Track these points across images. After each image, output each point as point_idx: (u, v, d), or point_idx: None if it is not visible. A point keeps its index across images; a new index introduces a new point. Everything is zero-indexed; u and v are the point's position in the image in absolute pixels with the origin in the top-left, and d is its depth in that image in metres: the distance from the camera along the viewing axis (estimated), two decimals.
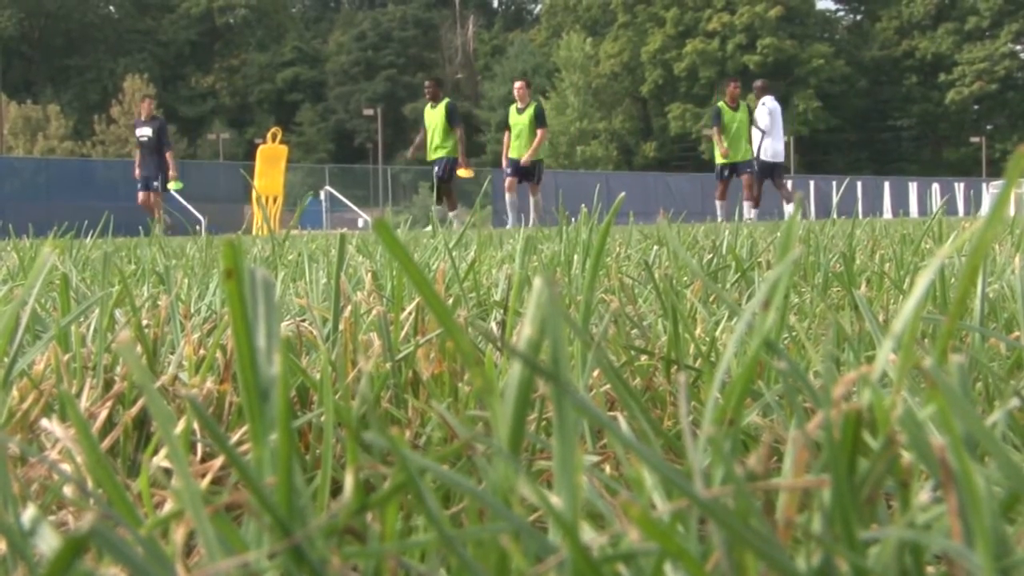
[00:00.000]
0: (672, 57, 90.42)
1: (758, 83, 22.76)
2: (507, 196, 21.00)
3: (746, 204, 20.90)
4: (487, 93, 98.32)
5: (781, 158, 22.00)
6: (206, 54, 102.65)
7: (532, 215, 20.69)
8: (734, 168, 21.57)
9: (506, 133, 21.52)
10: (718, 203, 21.45)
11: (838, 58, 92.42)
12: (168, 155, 21.27)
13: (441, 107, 20.89)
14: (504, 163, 21.35)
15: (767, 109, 21.82)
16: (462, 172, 20.82)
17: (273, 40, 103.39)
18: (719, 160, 21.59)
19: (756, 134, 21.68)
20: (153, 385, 0.66)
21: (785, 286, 0.79)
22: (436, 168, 20.83)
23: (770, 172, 21.67)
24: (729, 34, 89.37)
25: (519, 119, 21.15)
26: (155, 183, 21.01)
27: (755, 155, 21.64)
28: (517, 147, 21.12)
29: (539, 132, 21.01)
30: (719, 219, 19.85)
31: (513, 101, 21.34)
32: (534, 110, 21.06)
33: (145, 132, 21.46)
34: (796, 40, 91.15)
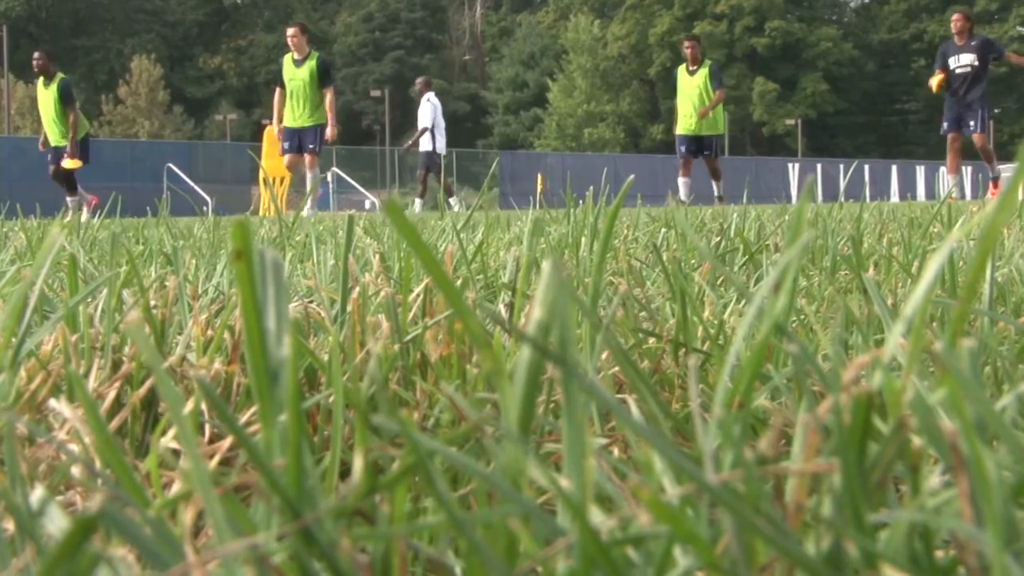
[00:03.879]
0: (680, 39, 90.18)
1: (420, 80, 22.07)
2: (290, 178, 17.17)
3: (681, 180, 18.69)
4: (494, 75, 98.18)
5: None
6: (213, 35, 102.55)
7: (308, 195, 16.62)
8: (696, 143, 18.73)
9: (278, 92, 16.96)
10: (680, 180, 18.65)
11: (846, 41, 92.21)
12: None
13: (54, 87, 17.47)
14: (276, 131, 16.98)
15: (432, 105, 21.17)
16: (68, 163, 17.25)
17: (281, 21, 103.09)
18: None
19: (425, 131, 21.00)
20: (162, 365, 0.66)
21: (795, 270, 0.79)
22: (51, 156, 17.36)
23: (436, 165, 21.10)
24: (737, 16, 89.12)
25: (296, 74, 16.72)
26: None
27: (432, 149, 21.01)
28: (294, 110, 16.77)
29: (327, 92, 16.80)
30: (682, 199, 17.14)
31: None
32: (317, 62, 16.74)
33: None
34: (804, 23, 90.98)
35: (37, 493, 0.69)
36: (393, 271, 2.20)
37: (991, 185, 16.93)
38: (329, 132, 16.73)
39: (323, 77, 16.70)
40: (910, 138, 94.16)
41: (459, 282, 1.85)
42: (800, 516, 0.64)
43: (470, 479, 0.99)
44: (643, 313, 1.58)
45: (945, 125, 17.13)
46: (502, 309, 1.75)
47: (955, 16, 18.01)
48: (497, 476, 0.64)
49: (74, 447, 1.03)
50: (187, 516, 0.67)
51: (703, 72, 18.57)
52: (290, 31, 16.90)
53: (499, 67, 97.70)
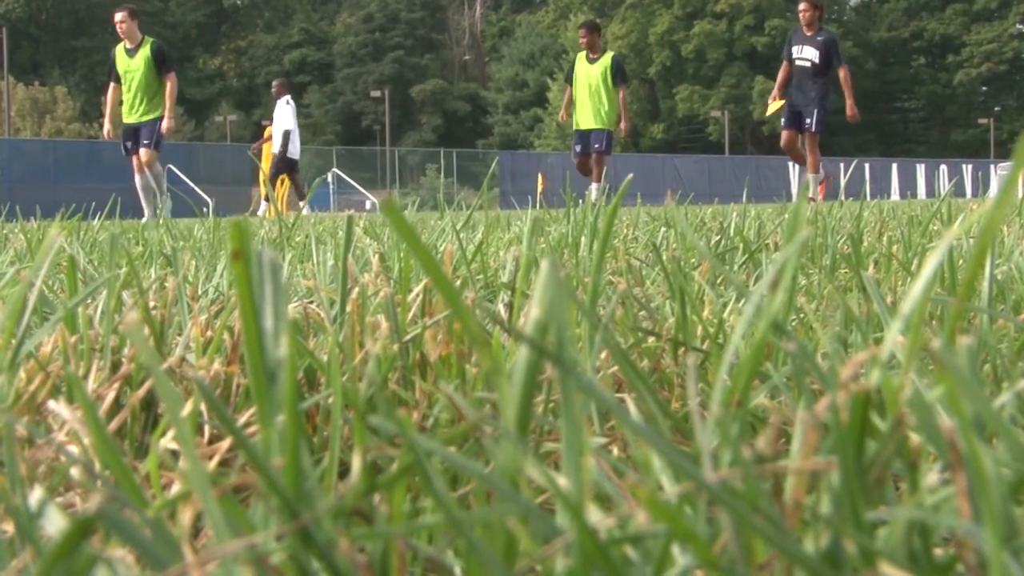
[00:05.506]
0: (679, 39, 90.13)
1: (276, 82, 21.67)
2: (137, 178, 14.93)
3: (593, 186, 16.62)
4: (494, 75, 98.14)
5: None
6: (213, 36, 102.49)
7: (155, 194, 14.84)
8: (582, 139, 16.17)
9: (111, 88, 15.04)
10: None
11: (845, 39, 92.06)
12: None
13: None
14: (106, 131, 15.22)
15: (291, 107, 20.95)
16: None
17: (280, 21, 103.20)
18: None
19: (279, 133, 20.67)
20: (160, 367, 0.66)
21: (793, 267, 0.79)
22: None
23: (291, 168, 20.94)
24: (737, 15, 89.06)
25: (131, 64, 14.71)
26: None
27: (284, 152, 20.64)
28: (132, 105, 14.78)
29: (167, 81, 14.82)
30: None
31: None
32: (151, 49, 14.77)
33: None
34: None
35: (36, 494, 0.69)
36: (393, 271, 2.20)
37: (819, 187, 15.97)
38: (165, 124, 14.71)
39: (160, 64, 14.78)
40: (910, 136, 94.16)
41: (458, 282, 1.85)
42: (798, 514, 0.64)
43: (470, 479, 0.99)
44: (642, 312, 1.58)
45: (783, 121, 15.89)
46: (501, 309, 1.75)
47: (802, 5, 16.00)
48: (495, 476, 0.64)
49: (73, 448, 1.03)
50: (186, 517, 0.67)
51: (603, 63, 16.44)
52: (117, 16, 14.78)
53: (499, 67, 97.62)
